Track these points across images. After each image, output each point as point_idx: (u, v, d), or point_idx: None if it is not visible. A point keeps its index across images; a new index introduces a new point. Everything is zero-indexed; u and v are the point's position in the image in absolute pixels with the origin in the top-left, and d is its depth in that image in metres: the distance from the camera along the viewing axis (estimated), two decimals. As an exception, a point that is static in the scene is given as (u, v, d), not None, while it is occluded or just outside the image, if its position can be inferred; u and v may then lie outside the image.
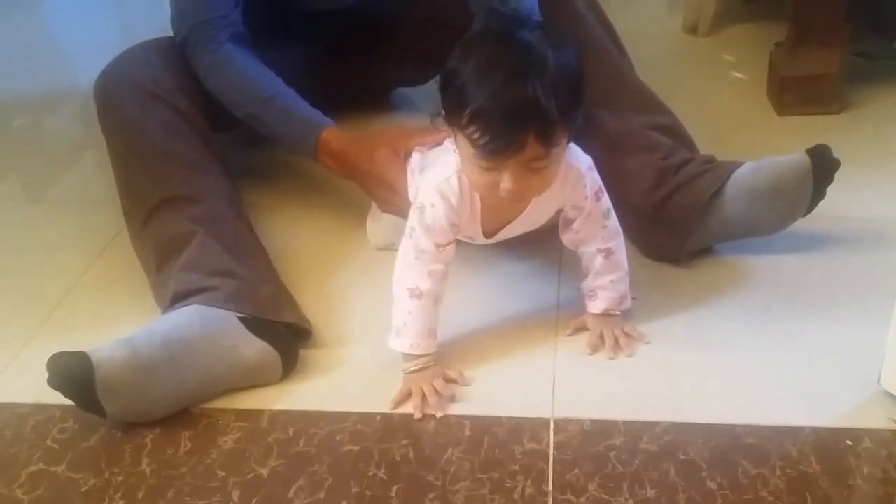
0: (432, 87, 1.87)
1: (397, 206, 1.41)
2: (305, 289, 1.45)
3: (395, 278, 1.25)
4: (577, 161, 1.23)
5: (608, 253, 1.30)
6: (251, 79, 1.51)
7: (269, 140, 1.57)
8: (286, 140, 1.52)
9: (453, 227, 1.22)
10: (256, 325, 1.28)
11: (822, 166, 1.38)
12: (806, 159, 1.38)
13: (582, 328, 1.35)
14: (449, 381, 1.25)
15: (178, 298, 1.30)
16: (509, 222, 1.28)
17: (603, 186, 1.26)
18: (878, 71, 2.09)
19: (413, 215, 1.23)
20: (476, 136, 1.09)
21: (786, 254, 1.49)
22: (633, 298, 1.35)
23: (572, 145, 1.21)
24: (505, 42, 1.09)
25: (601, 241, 1.30)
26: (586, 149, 1.26)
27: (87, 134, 1.61)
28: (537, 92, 1.05)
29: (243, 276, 1.34)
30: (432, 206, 1.21)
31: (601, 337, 1.32)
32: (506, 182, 1.12)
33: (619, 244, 1.31)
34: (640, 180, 1.45)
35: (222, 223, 1.41)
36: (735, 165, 1.42)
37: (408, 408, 1.23)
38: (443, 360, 1.27)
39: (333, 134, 1.48)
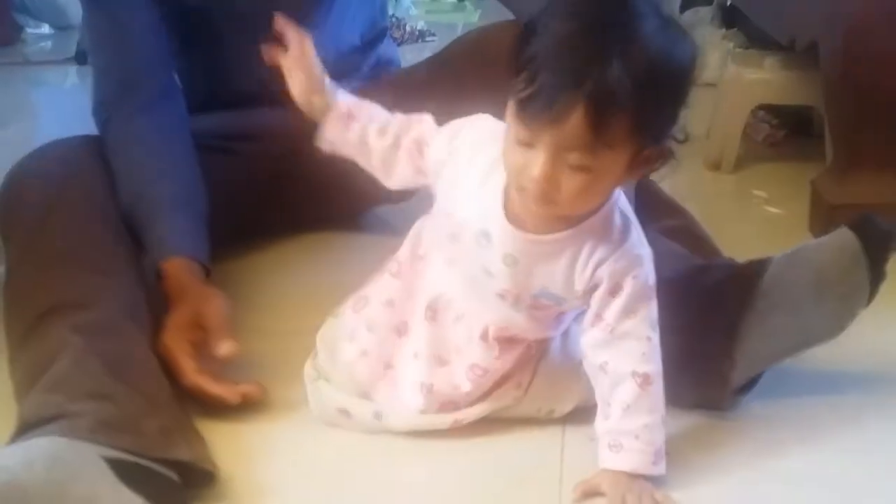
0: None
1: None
2: (217, 425, 1.15)
3: None
4: (633, 239, 1.03)
5: (645, 381, 1.03)
6: (145, 161, 1.34)
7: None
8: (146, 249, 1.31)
9: (452, 155, 1.08)
10: (131, 470, 0.96)
11: (874, 238, 1.16)
12: (850, 236, 1.16)
13: (594, 492, 1.05)
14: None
15: (27, 428, 0.99)
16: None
17: (654, 291, 1.06)
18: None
19: None
20: (521, 87, 0.95)
21: (858, 393, 1.25)
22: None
23: (637, 227, 1.04)
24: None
25: (640, 359, 1.04)
26: None
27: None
28: (612, 53, 0.90)
29: (125, 402, 1.05)
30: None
31: (623, 507, 1.02)
32: (534, 167, 0.95)
33: (657, 372, 1.05)
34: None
35: (112, 334, 1.14)
36: (762, 266, 1.18)
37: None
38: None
39: (180, 269, 1.26)
